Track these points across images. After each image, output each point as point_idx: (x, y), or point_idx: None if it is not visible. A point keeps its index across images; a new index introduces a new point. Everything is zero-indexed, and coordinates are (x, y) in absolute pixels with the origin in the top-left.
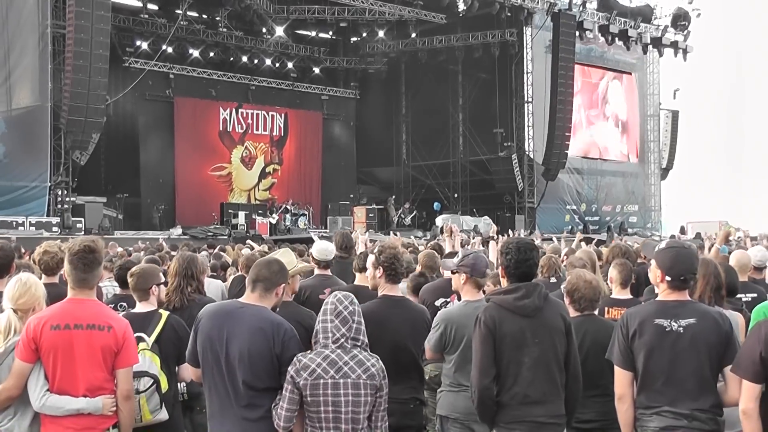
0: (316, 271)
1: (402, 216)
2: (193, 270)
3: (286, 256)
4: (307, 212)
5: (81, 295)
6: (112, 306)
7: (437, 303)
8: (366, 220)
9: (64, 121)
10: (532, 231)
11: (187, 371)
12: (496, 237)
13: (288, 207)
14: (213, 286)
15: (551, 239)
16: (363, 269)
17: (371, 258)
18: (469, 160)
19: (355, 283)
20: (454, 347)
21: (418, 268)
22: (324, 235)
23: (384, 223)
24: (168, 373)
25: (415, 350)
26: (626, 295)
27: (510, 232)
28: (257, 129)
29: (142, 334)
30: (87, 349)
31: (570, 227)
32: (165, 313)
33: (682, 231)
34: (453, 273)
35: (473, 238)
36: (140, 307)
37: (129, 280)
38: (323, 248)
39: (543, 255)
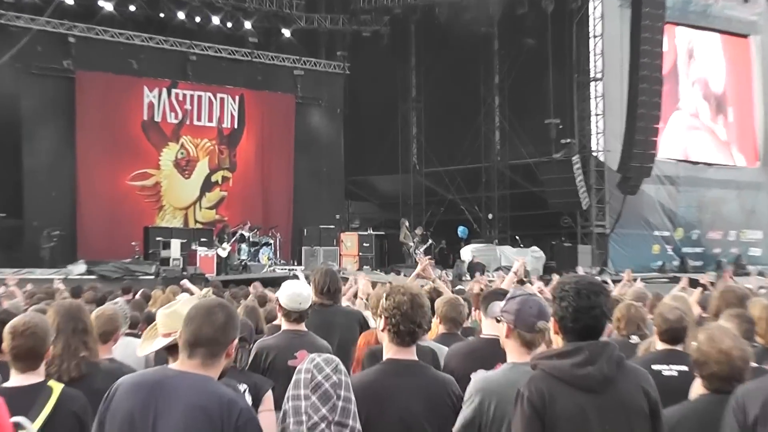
0: (284, 326)
1: (413, 245)
2: (84, 323)
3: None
4: (272, 240)
5: None
6: None
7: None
8: (359, 252)
9: None
10: (603, 269)
11: None
12: (525, 278)
13: (244, 233)
14: (132, 348)
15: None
16: None
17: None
18: (508, 164)
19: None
20: (494, 430)
21: (436, 322)
22: (296, 273)
23: (387, 256)
24: None
25: None
26: None
27: (579, 269)
28: (199, 119)
29: (21, 419)
30: None
31: (661, 263)
32: (57, 386)
33: None
34: (498, 321)
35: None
36: (19, 380)
37: (9, 341)
38: (295, 293)
39: (618, 302)
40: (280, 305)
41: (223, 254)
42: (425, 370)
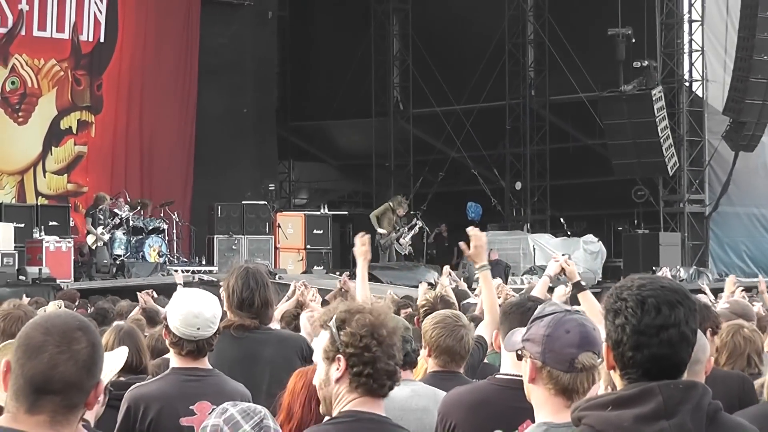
0: (174, 362)
1: (396, 233)
2: None
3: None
4: (165, 225)
5: None
6: None
7: None
8: (306, 245)
9: None
10: (700, 271)
11: None
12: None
13: (121, 213)
14: None
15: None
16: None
17: (323, 338)
18: (548, 102)
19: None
20: None
21: (424, 354)
22: (203, 277)
23: (353, 249)
24: None
25: None
26: None
27: (663, 269)
28: (42, 27)
29: None
30: None
31: None
32: None
33: None
34: (519, 357)
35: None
36: None
37: None
38: (190, 311)
39: (713, 320)
40: (167, 329)
41: (93, 244)
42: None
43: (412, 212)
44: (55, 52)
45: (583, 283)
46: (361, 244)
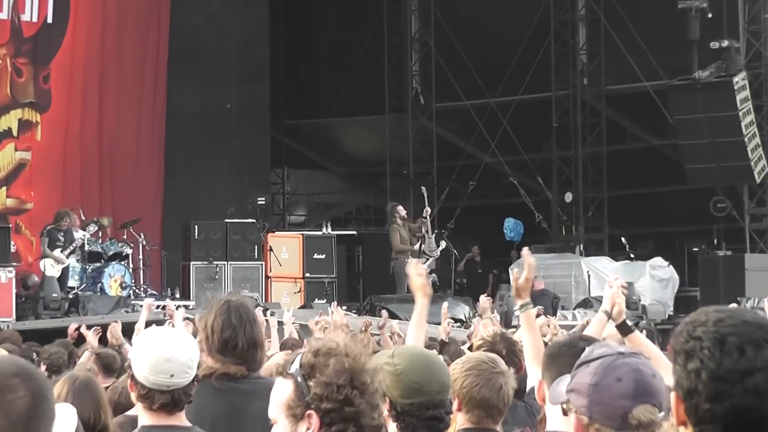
0: (145, 419)
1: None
2: None
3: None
4: (129, 250)
5: None
6: None
7: None
8: (304, 272)
9: None
10: None
11: None
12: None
13: (76, 234)
14: None
15: None
16: None
17: (283, 388)
18: (605, 92)
19: None
20: None
21: (453, 408)
22: (184, 314)
23: (362, 278)
24: None
25: None
26: None
27: (744, 302)
28: None
29: None
30: None
31: None
32: None
33: None
34: (565, 411)
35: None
36: None
37: None
38: (161, 356)
39: None
40: (133, 380)
41: (54, 272)
42: None
43: (436, 231)
44: None
45: (629, 323)
46: (417, 275)
